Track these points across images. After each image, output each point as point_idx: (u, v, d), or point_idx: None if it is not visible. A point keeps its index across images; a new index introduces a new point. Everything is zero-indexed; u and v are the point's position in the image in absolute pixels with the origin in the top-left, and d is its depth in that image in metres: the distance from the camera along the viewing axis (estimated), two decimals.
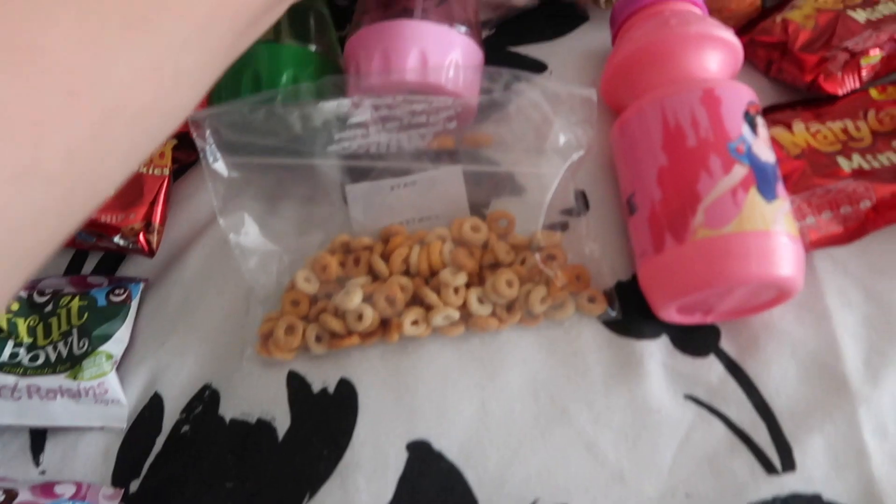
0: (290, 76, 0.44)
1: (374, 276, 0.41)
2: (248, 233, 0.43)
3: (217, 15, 0.21)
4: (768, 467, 0.35)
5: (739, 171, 0.35)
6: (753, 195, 0.35)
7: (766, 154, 0.37)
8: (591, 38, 0.52)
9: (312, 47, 0.46)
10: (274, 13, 0.26)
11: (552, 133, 0.42)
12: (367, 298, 0.39)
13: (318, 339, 0.40)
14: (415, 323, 0.39)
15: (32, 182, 0.16)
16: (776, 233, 0.34)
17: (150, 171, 0.47)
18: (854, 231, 0.39)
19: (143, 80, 0.19)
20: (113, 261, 0.48)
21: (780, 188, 0.36)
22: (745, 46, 0.43)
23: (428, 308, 0.40)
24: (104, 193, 0.19)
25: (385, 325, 0.40)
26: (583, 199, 0.44)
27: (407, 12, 0.43)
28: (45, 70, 0.16)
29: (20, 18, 0.16)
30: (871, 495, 0.34)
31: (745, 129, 0.37)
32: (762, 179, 0.35)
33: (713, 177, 0.35)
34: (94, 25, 0.17)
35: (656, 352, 0.39)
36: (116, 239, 0.45)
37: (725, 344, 0.39)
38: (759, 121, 0.38)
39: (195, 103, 0.21)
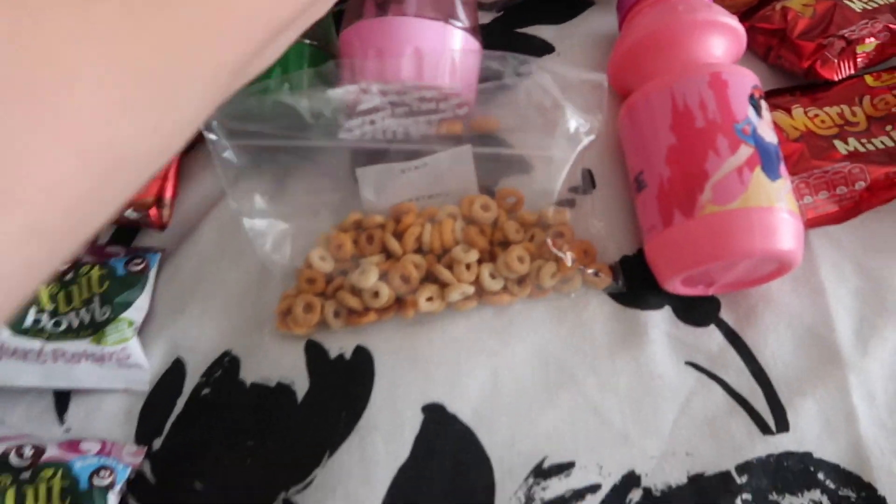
0: (280, 72, 0.42)
1: (388, 254, 0.42)
2: (259, 214, 0.43)
3: (221, 69, 0.21)
4: (764, 428, 0.37)
5: (745, 150, 0.37)
6: (758, 174, 0.37)
7: (770, 136, 0.39)
8: (597, 22, 0.53)
9: (306, 41, 0.44)
10: (271, 53, 0.25)
11: (563, 119, 0.43)
12: (382, 276, 0.40)
13: (336, 314, 0.41)
14: (430, 299, 0.40)
15: (34, 242, 0.16)
16: (779, 209, 0.36)
17: None
18: (849, 210, 0.41)
19: (146, 135, 0.18)
20: (128, 232, 0.48)
21: (783, 168, 0.38)
22: (746, 33, 0.44)
23: (443, 285, 0.40)
24: (91, 235, 0.18)
25: (400, 301, 0.40)
26: (589, 177, 0.45)
27: None
28: (62, 130, 0.15)
29: (45, 75, 0.15)
30: (859, 455, 0.36)
31: (751, 112, 0.38)
32: (766, 159, 0.37)
33: (720, 156, 0.37)
34: (112, 85, 0.16)
35: (660, 321, 0.40)
36: (127, 213, 0.45)
37: (725, 314, 0.41)
38: (763, 104, 0.40)
39: (185, 143, 0.21)
